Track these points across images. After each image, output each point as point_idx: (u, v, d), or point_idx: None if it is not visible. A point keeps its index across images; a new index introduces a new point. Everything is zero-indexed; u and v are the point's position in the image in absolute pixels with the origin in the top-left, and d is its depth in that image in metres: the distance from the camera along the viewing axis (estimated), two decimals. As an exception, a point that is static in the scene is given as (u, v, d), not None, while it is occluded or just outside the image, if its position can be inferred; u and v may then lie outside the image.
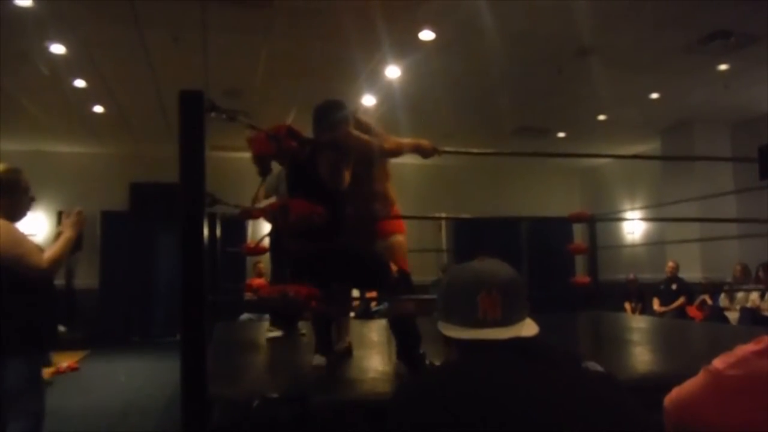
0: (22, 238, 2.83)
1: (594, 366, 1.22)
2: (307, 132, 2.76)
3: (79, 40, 5.95)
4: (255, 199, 3.95)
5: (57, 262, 2.90)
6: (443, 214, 9.92)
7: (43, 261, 2.82)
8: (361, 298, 9.37)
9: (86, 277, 10.02)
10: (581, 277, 7.08)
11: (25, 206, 3.18)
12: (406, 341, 3.04)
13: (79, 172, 10.31)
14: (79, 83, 7.12)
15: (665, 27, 5.88)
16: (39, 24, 5.53)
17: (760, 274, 7.44)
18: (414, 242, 10.99)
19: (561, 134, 9.81)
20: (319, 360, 3.43)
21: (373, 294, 9.34)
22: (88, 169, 10.35)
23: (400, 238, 3.36)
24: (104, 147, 10.25)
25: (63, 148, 10.27)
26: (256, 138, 2.64)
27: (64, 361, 7.41)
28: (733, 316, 7.70)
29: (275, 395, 2.31)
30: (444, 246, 11.51)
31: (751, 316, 7.36)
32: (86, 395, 5.96)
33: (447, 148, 3.45)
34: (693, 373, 1.30)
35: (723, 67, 6.94)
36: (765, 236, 5.83)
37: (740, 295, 7.95)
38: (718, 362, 1.25)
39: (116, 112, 8.23)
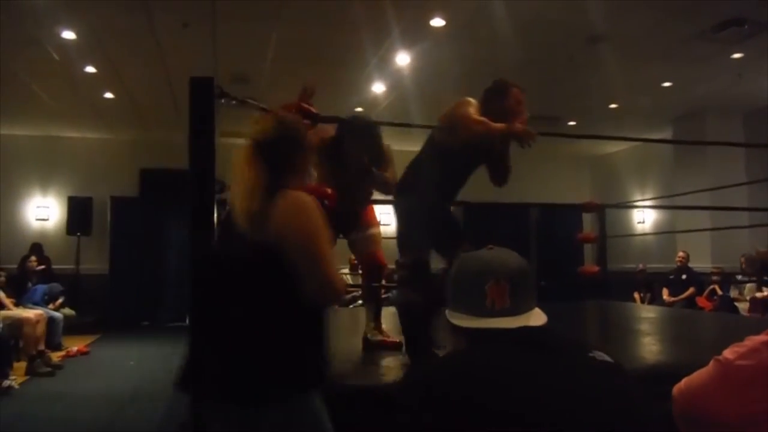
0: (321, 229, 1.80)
1: (602, 356, 1.22)
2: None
3: (89, 26, 5.95)
4: None
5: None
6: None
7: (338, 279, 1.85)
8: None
9: (97, 262, 10.09)
10: (590, 266, 7.04)
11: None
12: (409, 333, 2.98)
13: (90, 157, 10.35)
14: (90, 69, 7.13)
15: (678, 15, 5.81)
16: (50, 10, 5.54)
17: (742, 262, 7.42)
18: (423, 230, 10.93)
19: (572, 122, 9.76)
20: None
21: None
22: (98, 154, 10.39)
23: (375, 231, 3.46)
24: (114, 133, 10.28)
25: (73, 134, 10.31)
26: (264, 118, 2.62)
27: (75, 345, 7.48)
28: (743, 306, 7.67)
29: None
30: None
31: (762, 306, 7.32)
32: (96, 379, 6.02)
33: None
34: (702, 363, 1.30)
35: (736, 55, 6.86)
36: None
37: (750, 285, 7.90)
38: (728, 353, 1.24)
39: (126, 98, 8.24)
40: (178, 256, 10.13)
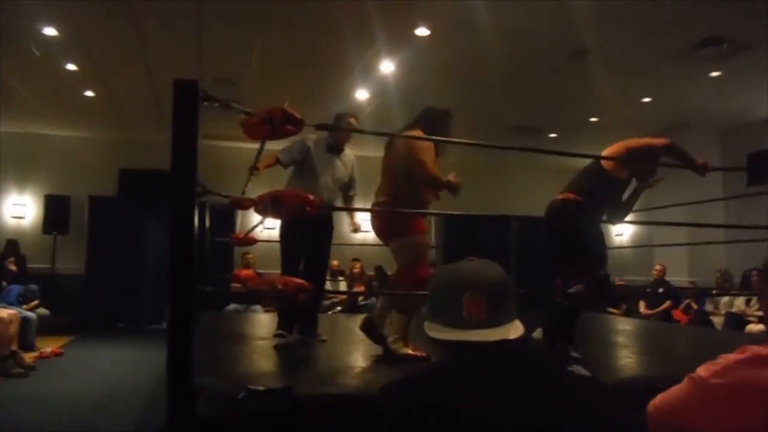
0: None
1: (580, 370, 1.23)
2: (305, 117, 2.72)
3: (71, 23, 5.90)
4: (255, 165, 3.95)
5: None
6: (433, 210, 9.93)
7: None
8: (349, 292, 9.42)
9: (73, 262, 9.97)
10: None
11: None
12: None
13: (69, 155, 10.23)
14: (71, 67, 7.06)
15: (660, 31, 5.90)
16: (31, 5, 5.48)
17: (753, 279, 7.49)
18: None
19: (552, 135, 9.84)
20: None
21: (361, 288, 9.35)
22: (77, 153, 10.27)
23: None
24: (94, 132, 10.18)
25: (52, 132, 10.19)
26: (249, 121, 2.61)
27: (48, 346, 7.37)
28: (718, 320, 7.77)
29: (261, 387, 2.31)
30: (433, 242, 11.53)
31: (736, 321, 7.42)
32: (69, 381, 5.93)
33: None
34: (678, 377, 1.31)
35: (715, 73, 6.97)
36: (751, 242, 5.87)
37: (725, 299, 8.01)
38: (702, 370, 1.26)
39: (107, 97, 8.18)
40: (157, 258, 10.04)
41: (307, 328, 4.25)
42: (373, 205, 3.53)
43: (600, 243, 3.48)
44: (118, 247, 10.07)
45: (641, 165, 3.60)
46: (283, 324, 4.16)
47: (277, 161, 4.35)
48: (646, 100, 8.13)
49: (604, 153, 3.63)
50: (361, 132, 4.80)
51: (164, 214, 2.23)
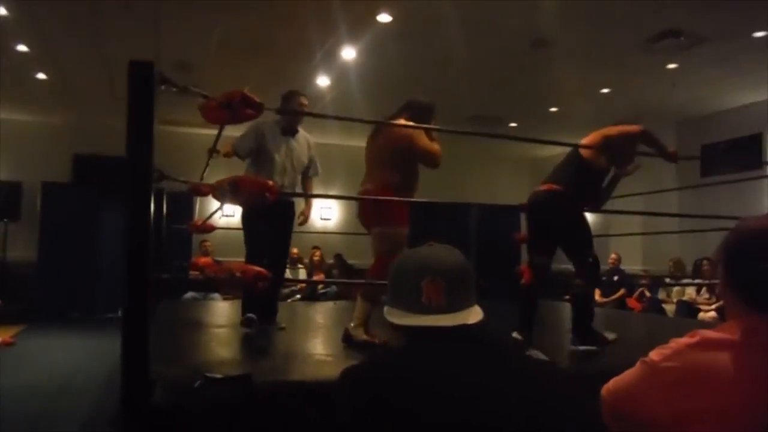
0: None
1: (537, 354, 1.24)
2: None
3: (21, 1, 5.70)
4: (214, 147, 3.82)
5: None
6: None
7: None
8: (309, 280, 9.40)
9: (24, 249, 9.71)
10: (527, 266, 7.15)
11: None
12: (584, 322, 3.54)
13: (20, 140, 9.90)
14: (22, 48, 6.83)
15: (618, 24, 5.98)
16: (-20, -17, 5.29)
17: (704, 268, 7.69)
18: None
19: (513, 124, 9.93)
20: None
21: (321, 276, 9.33)
22: (29, 138, 9.96)
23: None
24: (47, 116, 9.89)
25: (3, 115, 9.83)
26: (207, 105, 2.57)
27: (-1, 335, 7.19)
28: (670, 308, 7.97)
29: (218, 375, 2.29)
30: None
31: (688, 308, 7.63)
32: (21, 372, 5.80)
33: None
34: (632, 363, 1.34)
35: (672, 65, 7.11)
36: (703, 231, 6.03)
37: (677, 288, 8.22)
38: (654, 354, 1.28)
39: (61, 80, 7.95)
40: (113, 246, 9.85)
41: (267, 317, 4.21)
42: (360, 192, 3.57)
43: (586, 230, 3.63)
44: (72, 235, 9.83)
45: (619, 152, 3.70)
46: (248, 309, 4.11)
47: (234, 152, 4.26)
48: (605, 91, 8.25)
49: (582, 142, 3.70)
50: (325, 117, 4.74)
51: (120, 200, 2.19)
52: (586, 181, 3.62)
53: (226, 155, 4.19)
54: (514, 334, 3.36)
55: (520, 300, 3.56)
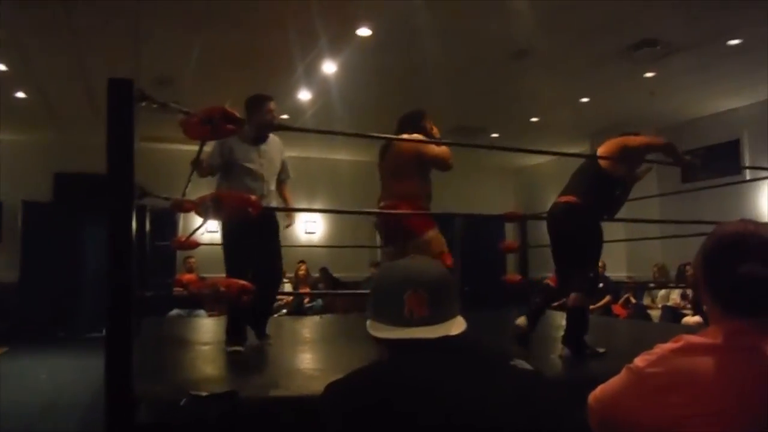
0: None
1: (522, 364, 1.24)
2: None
3: (1, 19, 5.67)
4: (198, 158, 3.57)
5: None
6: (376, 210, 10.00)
7: None
8: (294, 293, 9.36)
9: (6, 270, 9.59)
10: (513, 275, 7.21)
11: None
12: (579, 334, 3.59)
13: (0, 159, 9.82)
14: (0, 67, 6.79)
15: (597, 34, 6.05)
16: (-43, 3, 5.25)
17: (688, 273, 7.75)
18: (348, 238, 10.95)
19: (495, 134, 9.99)
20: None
21: (307, 290, 9.29)
22: (9, 157, 9.81)
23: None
24: (27, 134, 9.79)
25: (-18, 135, 9.79)
26: (188, 121, 2.55)
27: (-19, 357, 7.08)
28: (655, 314, 8.02)
29: (203, 392, 2.26)
30: (378, 242, 11.55)
31: (672, 313, 7.68)
32: (3, 393, 5.70)
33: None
34: (618, 370, 1.34)
35: (650, 74, 7.20)
36: (685, 237, 6.08)
37: (662, 293, 8.28)
38: (639, 361, 1.29)
39: (40, 99, 7.89)
40: (96, 264, 9.76)
41: (261, 332, 4.13)
42: (382, 207, 3.75)
43: (598, 246, 3.65)
44: (54, 254, 9.74)
45: (637, 162, 3.79)
46: (235, 337, 3.88)
47: (208, 170, 4.05)
48: (585, 100, 8.33)
49: (599, 151, 3.74)
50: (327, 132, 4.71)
51: (103, 218, 2.18)
52: (604, 191, 3.66)
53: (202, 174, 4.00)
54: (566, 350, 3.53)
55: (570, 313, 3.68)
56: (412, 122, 3.83)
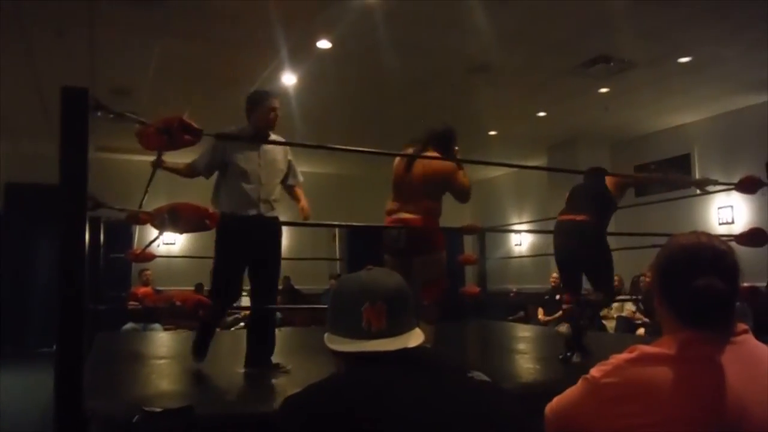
0: None
1: (480, 375, 1.25)
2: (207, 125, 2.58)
3: (-50, 27, 5.51)
4: (159, 159, 3.22)
5: None
6: (336, 222, 9.99)
7: None
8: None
9: (-49, 283, 9.26)
10: (471, 287, 7.27)
11: None
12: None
13: (-53, 170, 9.53)
14: (-50, 74, 6.59)
15: (553, 50, 6.18)
16: None
17: (641, 284, 7.91)
18: (308, 250, 10.87)
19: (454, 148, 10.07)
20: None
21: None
22: (-43, 167, 9.58)
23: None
24: (-24, 144, 9.52)
25: (-72, 144, 9.46)
26: (145, 131, 2.50)
27: None
28: (610, 324, 8.15)
29: (157, 408, 2.21)
30: (338, 255, 11.52)
31: (627, 324, 7.82)
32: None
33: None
34: (574, 380, 1.36)
35: (604, 89, 7.37)
36: (639, 249, 6.20)
37: (616, 304, 8.43)
38: (595, 371, 1.31)
39: (-9, 107, 7.68)
40: (47, 278, 9.49)
41: (263, 357, 3.59)
42: (403, 220, 3.71)
43: (611, 258, 4.13)
44: (4, 266, 9.44)
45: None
46: (200, 351, 3.62)
47: (192, 170, 3.68)
48: (541, 114, 8.48)
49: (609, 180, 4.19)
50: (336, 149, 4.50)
51: (55, 230, 2.13)
52: (609, 211, 4.12)
53: (186, 173, 3.69)
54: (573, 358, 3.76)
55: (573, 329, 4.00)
56: (443, 143, 3.82)
